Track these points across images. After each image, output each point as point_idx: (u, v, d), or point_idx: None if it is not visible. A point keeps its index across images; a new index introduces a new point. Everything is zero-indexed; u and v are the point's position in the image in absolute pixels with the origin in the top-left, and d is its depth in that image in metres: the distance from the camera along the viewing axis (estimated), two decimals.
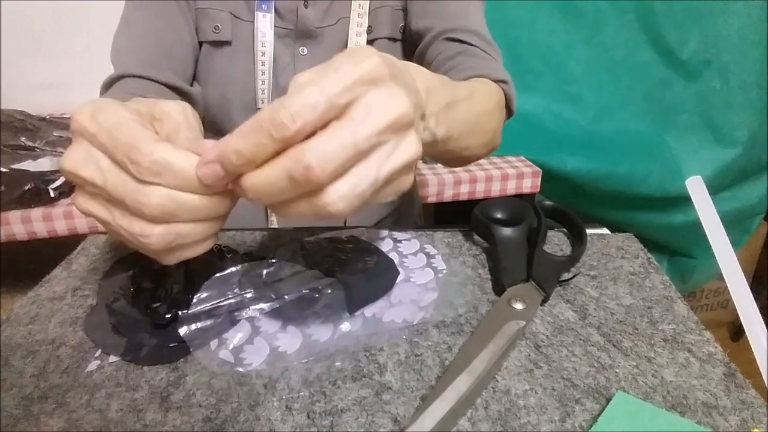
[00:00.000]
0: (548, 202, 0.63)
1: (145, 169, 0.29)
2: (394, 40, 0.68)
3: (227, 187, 0.31)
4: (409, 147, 0.29)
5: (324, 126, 0.27)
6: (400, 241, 0.52)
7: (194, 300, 0.39)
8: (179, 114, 0.33)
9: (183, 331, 0.38)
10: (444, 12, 0.63)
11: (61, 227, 1.03)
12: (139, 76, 0.57)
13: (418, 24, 0.65)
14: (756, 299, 1.07)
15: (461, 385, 0.33)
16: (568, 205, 1.12)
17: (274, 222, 0.70)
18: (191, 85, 0.64)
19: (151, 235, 0.30)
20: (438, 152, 0.44)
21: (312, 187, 0.27)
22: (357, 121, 0.27)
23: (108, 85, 0.58)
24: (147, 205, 0.29)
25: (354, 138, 0.27)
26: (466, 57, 0.59)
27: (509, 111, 0.60)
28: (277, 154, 0.27)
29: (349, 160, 0.27)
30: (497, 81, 0.57)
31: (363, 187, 0.28)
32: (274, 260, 0.45)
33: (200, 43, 0.64)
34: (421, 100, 0.33)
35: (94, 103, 0.31)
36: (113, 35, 0.61)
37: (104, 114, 0.30)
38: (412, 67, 0.35)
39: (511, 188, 1.26)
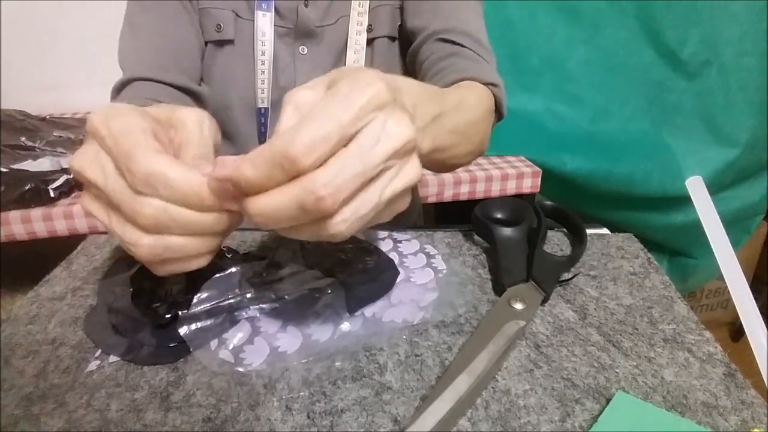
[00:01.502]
0: (548, 202, 0.63)
1: (139, 180, 0.29)
2: (393, 38, 0.68)
3: (228, 206, 0.31)
4: (411, 171, 0.30)
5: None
6: (400, 241, 0.52)
7: (194, 300, 0.39)
8: (194, 125, 0.34)
9: (183, 331, 0.38)
10: (438, 12, 0.63)
11: (61, 227, 1.03)
12: (149, 79, 0.57)
13: (413, 23, 0.65)
14: (756, 299, 1.07)
15: (461, 385, 0.33)
16: (568, 205, 1.12)
17: None
18: (199, 85, 0.64)
19: (140, 245, 0.31)
20: (424, 163, 0.45)
21: (321, 216, 0.28)
22: (366, 149, 0.27)
23: (118, 90, 0.58)
24: (141, 215, 0.30)
25: (364, 167, 0.27)
26: (458, 59, 0.59)
27: (499, 114, 0.60)
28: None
29: (358, 188, 0.28)
30: (487, 84, 0.56)
31: (366, 211, 0.29)
32: (274, 260, 0.45)
33: (205, 43, 0.65)
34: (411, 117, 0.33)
35: (111, 108, 0.32)
36: (118, 38, 0.61)
37: (116, 120, 0.31)
38: (401, 81, 0.35)
39: (511, 188, 1.26)
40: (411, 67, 0.66)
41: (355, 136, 0.28)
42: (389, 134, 0.28)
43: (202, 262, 0.34)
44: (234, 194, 0.29)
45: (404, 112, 0.30)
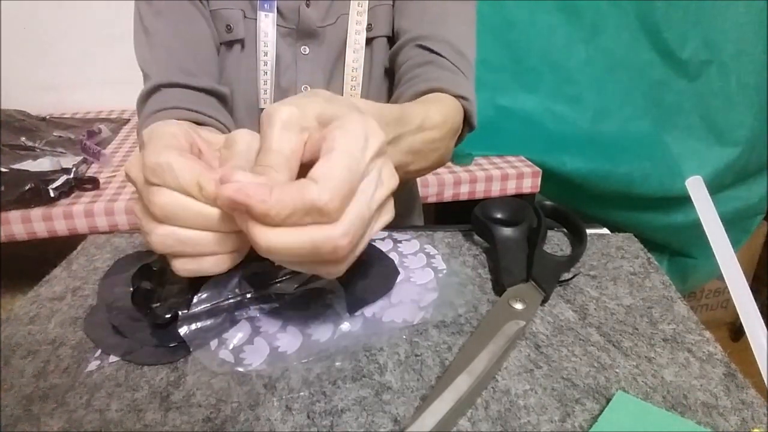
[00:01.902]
0: (548, 202, 0.63)
1: (149, 170, 0.32)
2: (391, 38, 0.68)
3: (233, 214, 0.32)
4: (389, 212, 0.34)
5: None
6: (400, 241, 0.52)
7: (194, 300, 0.39)
8: (243, 143, 0.36)
9: (183, 331, 0.38)
10: (423, 16, 0.62)
11: (61, 227, 1.03)
12: (175, 85, 0.57)
13: (398, 23, 0.65)
14: (756, 299, 1.07)
15: (461, 385, 0.33)
16: (568, 205, 1.12)
17: None
18: None
19: (153, 234, 0.33)
20: None
21: (332, 260, 0.30)
22: (369, 196, 0.30)
23: (145, 98, 0.57)
24: (152, 203, 0.32)
25: (369, 212, 0.30)
26: (433, 68, 0.59)
27: (470, 126, 0.60)
28: None
29: (363, 227, 0.31)
30: (458, 96, 0.56)
31: (360, 250, 0.32)
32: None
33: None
34: None
35: (163, 122, 0.36)
36: (134, 44, 0.61)
37: (156, 129, 0.34)
38: (364, 107, 0.38)
39: (511, 188, 1.26)
40: (391, 68, 0.66)
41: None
42: (383, 182, 0.32)
43: (220, 265, 0.35)
44: (242, 212, 0.30)
45: (389, 160, 0.33)
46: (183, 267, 0.34)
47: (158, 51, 0.59)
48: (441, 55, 0.60)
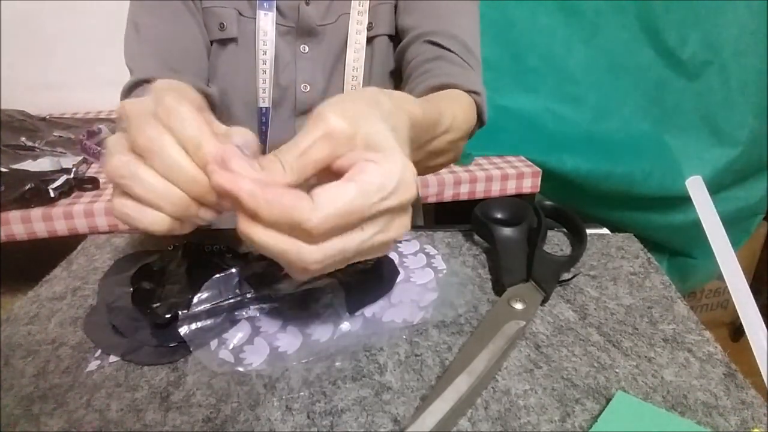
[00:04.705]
0: (548, 202, 0.63)
1: (163, 109, 0.31)
2: (392, 37, 0.68)
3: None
4: (383, 249, 0.32)
5: None
6: (400, 241, 0.52)
7: (194, 300, 0.39)
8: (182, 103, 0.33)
9: (183, 331, 0.38)
10: (430, 13, 0.63)
11: (61, 227, 1.03)
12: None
13: (404, 21, 0.65)
14: (756, 299, 1.07)
15: (461, 385, 0.33)
16: (568, 205, 1.12)
17: None
18: (207, 86, 0.64)
19: (114, 157, 0.31)
20: None
21: (300, 272, 0.30)
22: (366, 236, 0.30)
23: (128, 91, 0.58)
24: (140, 134, 0.31)
25: (357, 250, 0.30)
26: (443, 63, 0.59)
27: (481, 121, 0.60)
28: None
29: (343, 261, 0.30)
30: (470, 92, 0.56)
31: (334, 269, 0.31)
32: (274, 260, 0.45)
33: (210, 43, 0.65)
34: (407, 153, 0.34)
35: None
36: (123, 39, 0.61)
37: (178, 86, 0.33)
38: (414, 115, 0.36)
39: (511, 188, 1.26)
40: (398, 65, 0.66)
41: (365, 220, 0.29)
42: (390, 230, 0.31)
43: (156, 224, 0.32)
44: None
45: (409, 213, 0.32)
46: (121, 208, 0.31)
47: (145, 47, 0.60)
48: (450, 50, 0.60)
